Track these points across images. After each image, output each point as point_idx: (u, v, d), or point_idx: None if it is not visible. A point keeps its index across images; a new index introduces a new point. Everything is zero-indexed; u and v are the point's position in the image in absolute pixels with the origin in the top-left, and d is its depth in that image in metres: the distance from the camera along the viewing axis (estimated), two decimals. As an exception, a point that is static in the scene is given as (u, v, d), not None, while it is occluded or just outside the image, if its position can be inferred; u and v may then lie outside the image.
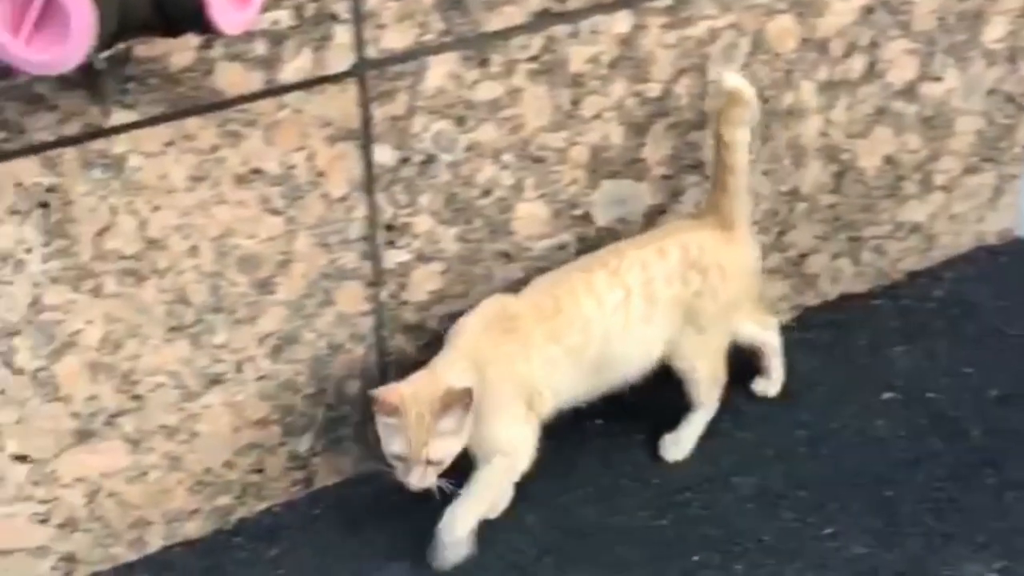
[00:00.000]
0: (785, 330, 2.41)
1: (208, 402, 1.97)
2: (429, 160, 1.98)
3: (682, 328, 2.06)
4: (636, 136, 2.12)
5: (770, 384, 2.27)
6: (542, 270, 2.13)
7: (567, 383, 2.01)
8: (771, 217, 2.32)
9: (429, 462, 1.87)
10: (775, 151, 2.26)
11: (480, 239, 2.07)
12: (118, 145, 1.75)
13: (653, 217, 2.19)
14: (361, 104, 1.89)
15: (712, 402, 2.17)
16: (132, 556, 2.00)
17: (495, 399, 1.93)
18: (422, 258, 2.04)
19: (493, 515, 2.03)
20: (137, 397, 1.91)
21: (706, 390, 2.14)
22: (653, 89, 2.10)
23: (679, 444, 2.18)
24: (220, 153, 1.82)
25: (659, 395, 2.27)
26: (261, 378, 2.00)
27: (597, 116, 2.08)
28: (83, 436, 1.89)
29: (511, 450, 1.98)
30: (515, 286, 2.06)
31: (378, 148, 1.93)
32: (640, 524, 2.07)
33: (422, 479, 1.88)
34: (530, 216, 2.09)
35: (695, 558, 2.01)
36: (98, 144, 1.73)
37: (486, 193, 2.05)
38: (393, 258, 2.03)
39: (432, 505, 1.96)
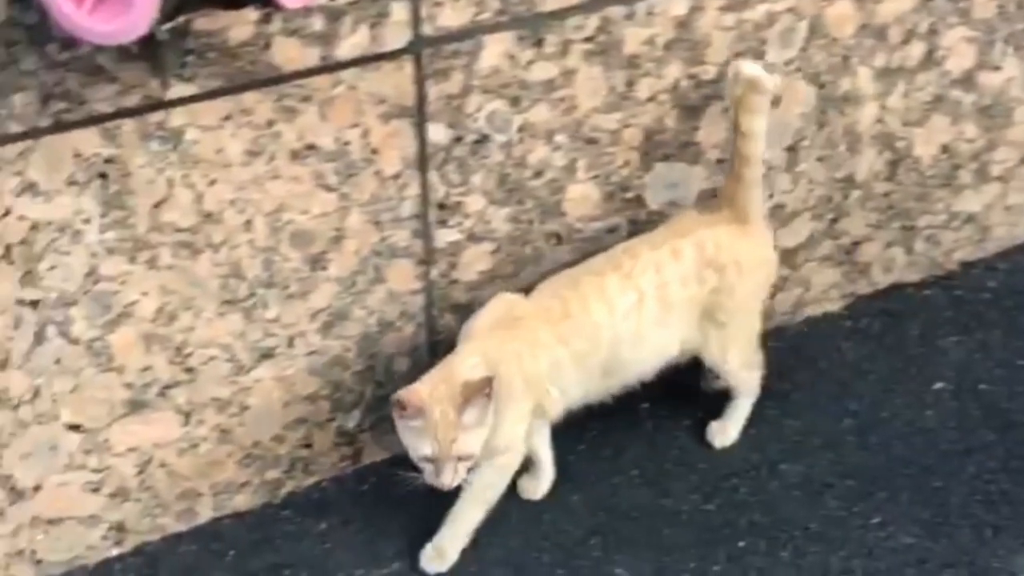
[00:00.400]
0: (835, 318, 2.41)
1: (259, 376, 1.99)
2: (482, 140, 1.98)
3: (701, 326, 2.03)
4: (690, 119, 2.11)
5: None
6: (592, 252, 2.12)
7: (574, 385, 1.99)
8: (825, 204, 2.30)
9: (459, 458, 1.85)
10: (830, 137, 2.25)
11: (531, 220, 2.07)
12: (176, 118, 1.76)
13: (705, 201, 2.19)
14: (416, 82, 1.89)
15: (753, 388, 2.16)
16: (181, 527, 2.02)
17: (507, 396, 1.91)
18: (473, 238, 2.05)
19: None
20: (190, 369, 1.93)
21: (744, 379, 2.13)
22: (708, 72, 2.09)
23: (726, 431, 2.17)
24: (276, 128, 1.83)
25: (705, 378, 2.27)
26: (311, 353, 2.01)
27: (651, 98, 2.07)
28: (136, 406, 1.91)
29: (511, 447, 1.95)
30: (528, 285, 2.04)
31: (432, 126, 1.93)
32: (687, 508, 2.06)
33: (454, 477, 1.86)
34: (581, 198, 2.09)
35: (741, 544, 2.00)
36: (156, 116, 1.75)
37: (538, 174, 2.04)
38: (444, 237, 2.03)
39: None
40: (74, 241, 1.77)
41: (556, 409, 2.00)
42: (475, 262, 2.07)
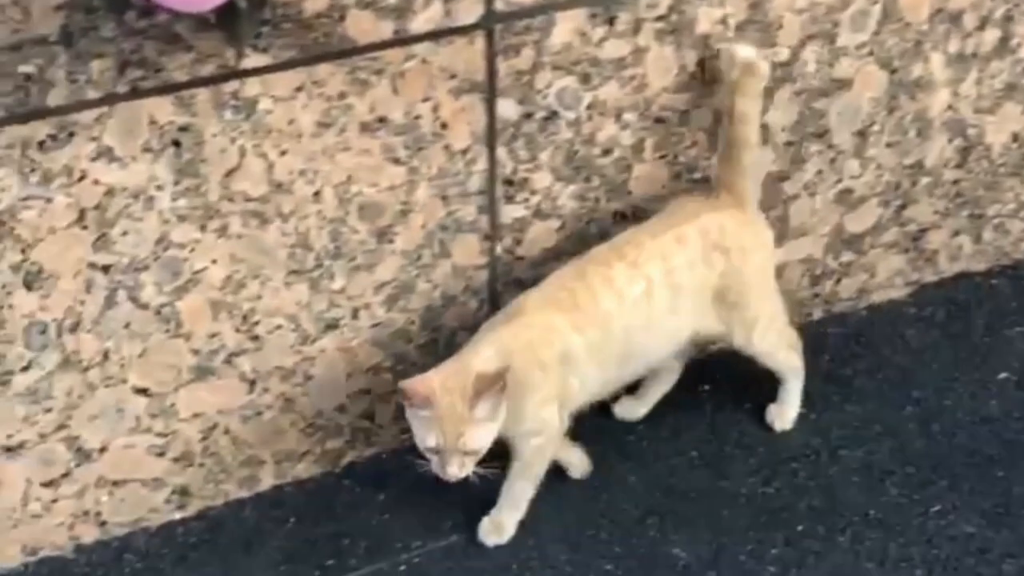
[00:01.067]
0: (900, 306, 2.39)
1: (323, 346, 2.00)
2: (551, 116, 1.98)
3: (718, 312, 2.00)
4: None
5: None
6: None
7: (592, 376, 1.95)
8: (892, 190, 2.28)
9: (465, 452, 1.83)
10: (901, 123, 2.22)
11: (597, 198, 2.07)
12: (250, 88, 1.78)
13: (772, 184, 2.17)
14: (487, 57, 1.90)
15: (794, 367, 2.13)
16: (243, 493, 2.05)
17: (525, 384, 1.88)
18: (539, 214, 2.05)
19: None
20: (256, 338, 1.95)
21: (781, 360, 2.11)
22: (780, 54, 2.08)
23: (784, 415, 2.16)
24: (347, 100, 1.84)
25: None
26: (375, 325, 2.03)
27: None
28: (202, 373, 1.93)
29: (543, 429, 1.93)
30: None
31: (502, 102, 1.94)
32: (745, 491, 2.06)
33: (460, 469, 1.83)
34: (648, 177, 2.09)
35: (799, 527, 2.00)
36: (231, 86, 1.76)
37: (606, 152, 2.04)
38: (510, 213, 2.04)
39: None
40: (147, 207, 1.79)
41: (576, 399, 1.96)
42: (540, 239, 2.07)
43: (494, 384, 1.81)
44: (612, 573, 1.94)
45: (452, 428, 1.81)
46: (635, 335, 1.96)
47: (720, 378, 2.24)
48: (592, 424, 2.07)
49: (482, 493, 2.04)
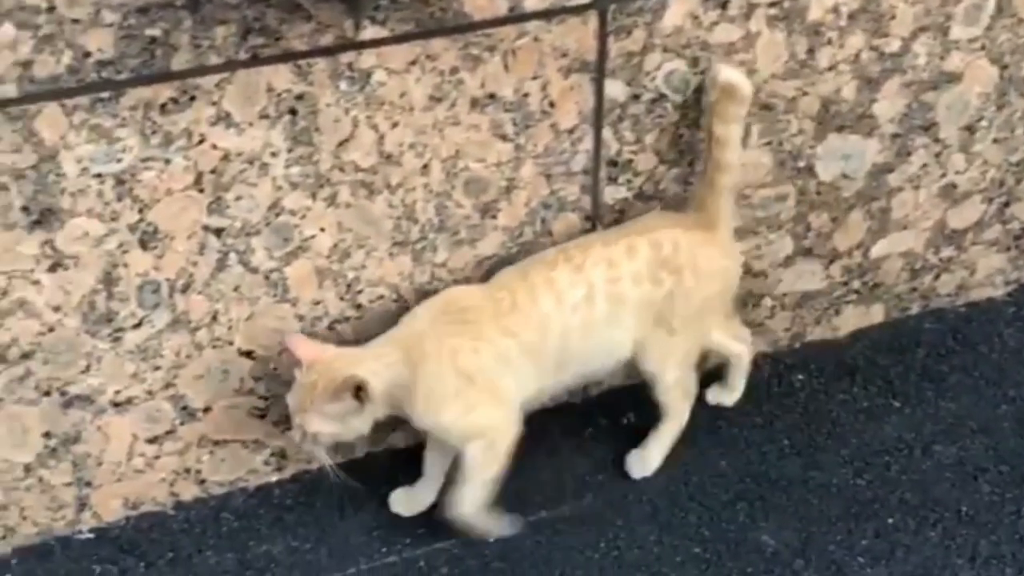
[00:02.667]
0: (999, 304, 2.37)
1: (423, 318, 2.03)
2: (659, 99, 1.98)
3: (652, 330, 1.95)
4: (868, 91, 2.09)
5: (725, 394, 2.16)
6: (760, 220, 2.12)
7: (526, 378, 1.91)
8: (997, 187, 2.26)
9: (305, 431, 1.82)
10: (1009, 120, 2.20)
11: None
12: (366, 59, 1.80)
13: (876, 176, 2.16)
14: (599, 37, 1.91)
15: (681, 413, 2.05)
16: (338, 459, 2.07)
17: (437, 393, 1.85)
18: (641, 196, 2.05)
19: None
20: (358, 306, 1.98)
21: (675, 398, 2.03)
22: (891, 44, 2.06)
23: (645, 460, 2.07)
24: (459, 75, 1.86)
25: (862, 355, 2.27)
26: (474, 301, 2.05)
27: (831, 67, 2.05)
28: (305, 338, 1.97)
29: (480, 433, 1.88)
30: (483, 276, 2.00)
31: (610, 83, 1.95)
32: (836, 482, 2.06)
33: (301, 440, 1.83)
34: (753, 163, 2.08)
35: (889, 520, 2.00)
36: (347, 57, 1.79)
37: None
38: (613, 194, 2.05)
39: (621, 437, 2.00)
40: (261, 173, 1.82)
41: (512, 398, 1.91)
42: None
43: (346, 390, 1.78)
44: (700, 556, 1.95)
45: (300, 402, 1.81)
46: (571, 338, 1.91)
47: (813, 368, 2.24)
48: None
49: (571, 470, 2.06)
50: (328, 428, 1.82)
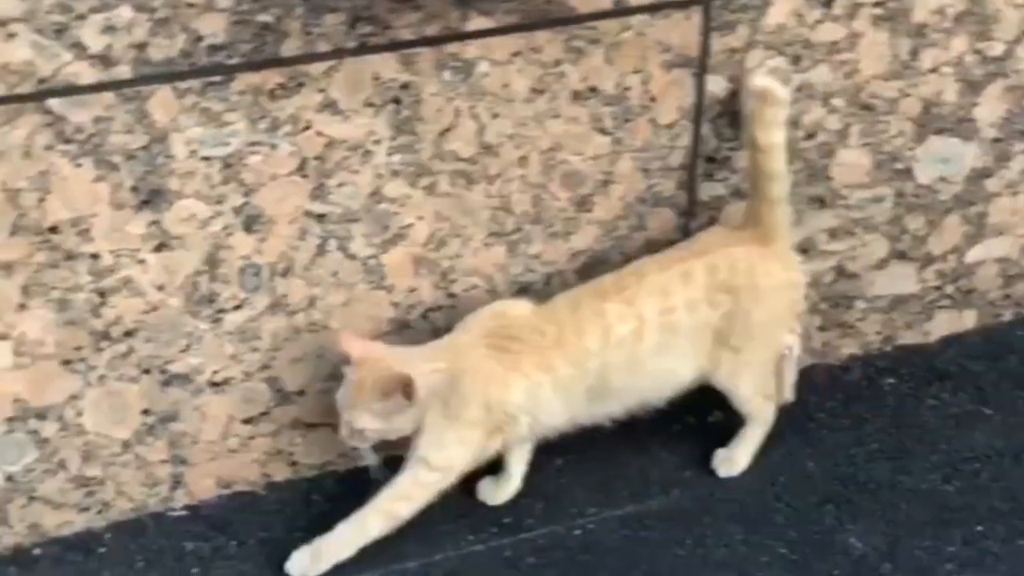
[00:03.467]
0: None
1: (515, 309, 2.04)
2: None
3: (714, 350, 1.92)
4: (970, 94, 2.07)
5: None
6: (856, 221, 2.11)
7: (551, 412, 1.90)
8: (1097, 194, 2.23)
9: (352, 427, 1.83)
10: (1111, 125, 2.18)
11: (797, 181, 2.06)
12: (470, 50, 1.81)
13: (974, 180, 2.14)
14: (702, 33, 1.91)
15: (765, 417, 2.03)
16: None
17: (455, 411, 1.85)
18: (737, 194, 2.05)
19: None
20: (452, 295, 1.99)
21: (756, 406, 2.01)
22: (995, 48, 2.05)
23: (732, 460, 2.05)
24: (562, 68, 1.87)
25: (953, 361, 2.25)
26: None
27: (934, 69, 2.03)
28: (399, 325, 1.98)
29: (441, 467, 1.87)
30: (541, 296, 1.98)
31: (712, 78, 1.94)
32: (925, 487, 2.04)
33: (348, 436, 1.84)
34: (851, 164, 2.07)
35: (979, 528, 1.97)
36: (452, 47, 1.80)
37: (810, 135, 2.04)
38: (708, 190, 2.04)
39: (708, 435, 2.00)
40: (364, 161, 1.84)
41: (518, 434, 1.91)
42: (735, 218, 2.07)
43: (396, 389, 1.78)
44: (787, 557, 1.94)
45: (349, 398, 1.82)
46: (611, 374, 1.89)
47: (904, 372, 2.22)
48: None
49: (658, 465, 2.06)
50: (374, 425, 1.83)
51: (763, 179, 1.92)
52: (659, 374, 1.93)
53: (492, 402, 1.86)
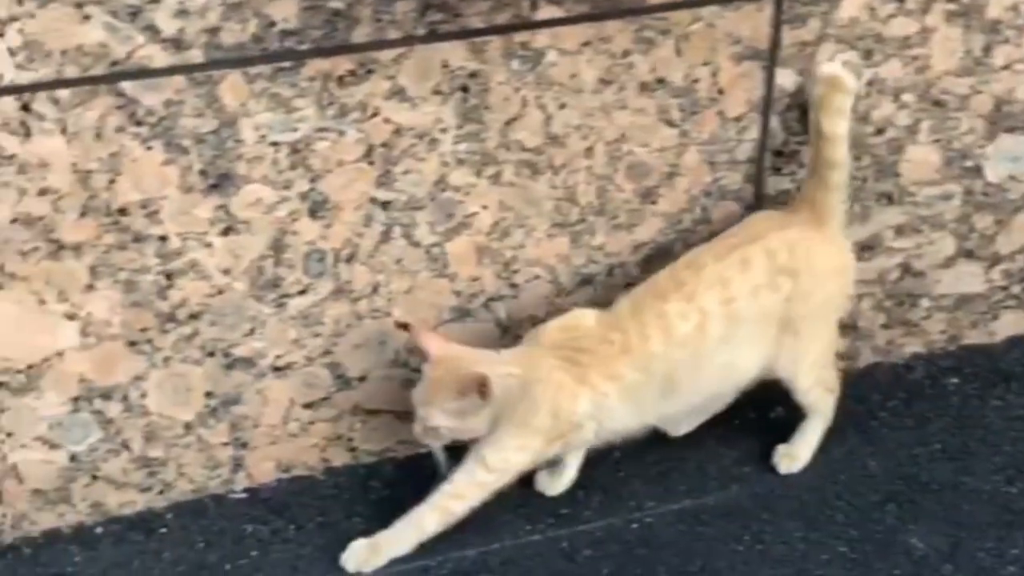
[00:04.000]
0: None
1: (576, 301, 2.03)
2: (829, 90, 1.96)
3: (779, 337, 1.91)
4: (1044, 92, 2.05)
5: None
6: (924, 218, 2.09)
7: (618, 419, 1.90)
8: None
9: (426, 424, 1.83)
10: None
11: (864, 177, 2.05)
12: (540, 39, 1.81)
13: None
14: (773, 25, 1.89)
15: (825, 410, 2.02)
16: (486, 435, 2.10)
17: (523, 417, 1.84)
18: (803, 189, 2.04)
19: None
20: (514, 285, 1.99)
21: (816, 398, 1.99)
22: (1072, 46, 2.02)
23: (793, 456, 2.04)
24: (630, 59, 1.86)
25: (1018, 361, 2.22)
26: (628, 285, 2.04)
27: (1007, 67, 2.01)
28: (460, 314, 1.98)
29: (498, 469, 1.87)
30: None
31: (781, 72, 1.93)
32: (988, 488, 2.02)
33: (421, 433, 1.85)
34: (920, 161, 2.05)
35: (1043, 531, 1.96)
36: (522, 36, 1.80)
37: (879, 131, 2.01)
38: (775, 184, 2.03)
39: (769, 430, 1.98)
40: (430, 149, 1.84)
41: (583, 439, 1.92)
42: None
43: (473, 389, 1.79)
44: (846, 556, 1.93)
45: (425, 396, 1.82)
46: (677, 372, 1.88)
47: (968, 372, 2.20)
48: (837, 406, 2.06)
49: (717, 460, 2.05)
50: (448, 423, 1.83)
51: (824, 166, 1.91)
52: (724, 367, 1.92)
53: (560, 412, 1.87)
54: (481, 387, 1.79)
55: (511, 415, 1.85)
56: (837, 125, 1.88)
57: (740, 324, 1.88)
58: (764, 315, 1.89)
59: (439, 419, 1.83)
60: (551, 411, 1.86)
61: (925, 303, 2.19)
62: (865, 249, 2.10)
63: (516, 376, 1.84)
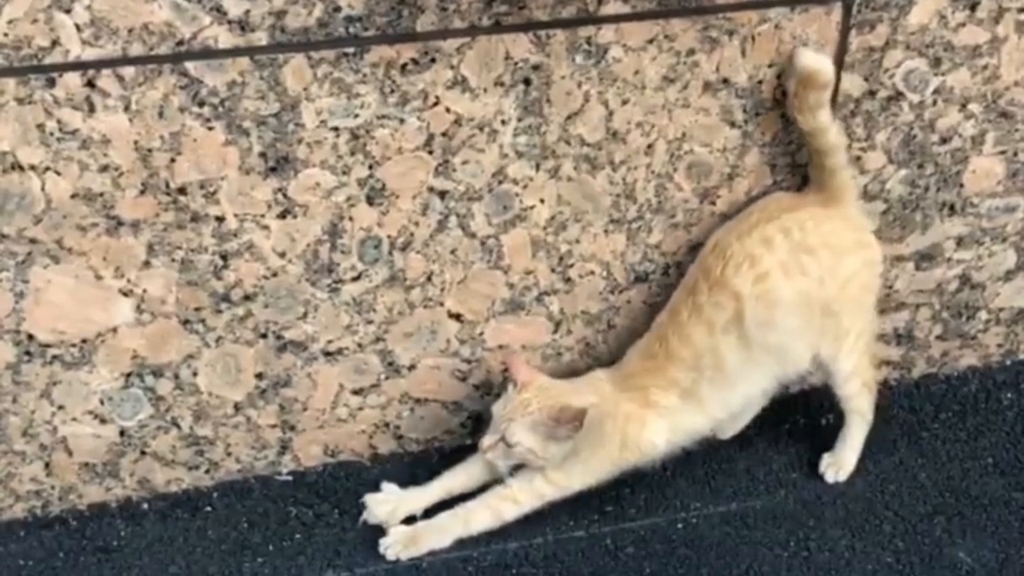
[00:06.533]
0: None
1: (630, 297, 2.02)
2: (895, 97, 1.93)
3: (821, 321, 1.88)
4: (1115, 106, 2.01)
5: None
6: (985, 230, 2.06)
7: (689, 423, 1.92)
8: None
9: (505, 440, 1.85)
10: None
11: (927, 186, 2.02)
12: (604, 35, 1.79)
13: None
14: (841, 30, 1.86)
15: (864, 408, 1.99)
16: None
17: (593, 444, 1.88)
18: (865, 195, 2.00)
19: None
20: (568, 280, 1.98)
21: (854, 390, 1.97)
22: None
23: (839, 464, 2.02)
24: (695, 57, 1.84)
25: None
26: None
27: (1078, 79, 1.97)
28: (513, 307, 1.98)
29: (559, 485, 1.91)
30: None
31: (847, 76, 1.90)
32: (1039, 506, 2.00)
33: (490, 447, 1.87)
34: (984, 171, 2.02)
35: (1094, 552, 1.93)
36: (586, 31, 1.78)
37: (944, 140, 1.98)
38: (835, 190, 2.00)
39: (818, 438, 1.96)
40: (490, 140, 1.83)
41: (653, 452, 1.94)
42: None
43: (573, 421, 1.83)
44: (892, 567, 1.91)
45: (510, 413, 1.85)
46: (727, 356, 1.88)
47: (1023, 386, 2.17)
48: (885, 415, 2.03)
49: (765, 465, 2.04)
50: (530, 443, 1.86)
51: (816, 154, 1.90)
52: (771, 353, 1.89)
53: (628, 441, 1.90)
54: (579, 420, 1.83)
55: (582, 443, 1.87)
56: (817, 119, 1.85)
57: (775, 304, 1.85)
58: (800, 296, 1.86)
59: (522, 436, 1.86)
60: (620, 443, 1.90)
61: (983, 316, 2.16)
62: (924, 259, 2.07)
63: (594, 406, 1.87)
